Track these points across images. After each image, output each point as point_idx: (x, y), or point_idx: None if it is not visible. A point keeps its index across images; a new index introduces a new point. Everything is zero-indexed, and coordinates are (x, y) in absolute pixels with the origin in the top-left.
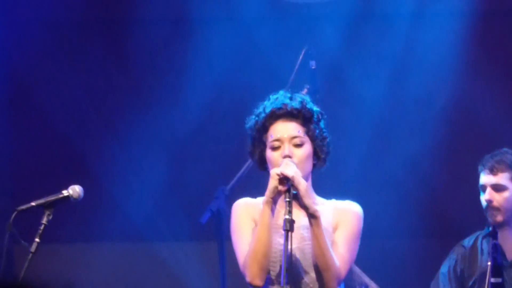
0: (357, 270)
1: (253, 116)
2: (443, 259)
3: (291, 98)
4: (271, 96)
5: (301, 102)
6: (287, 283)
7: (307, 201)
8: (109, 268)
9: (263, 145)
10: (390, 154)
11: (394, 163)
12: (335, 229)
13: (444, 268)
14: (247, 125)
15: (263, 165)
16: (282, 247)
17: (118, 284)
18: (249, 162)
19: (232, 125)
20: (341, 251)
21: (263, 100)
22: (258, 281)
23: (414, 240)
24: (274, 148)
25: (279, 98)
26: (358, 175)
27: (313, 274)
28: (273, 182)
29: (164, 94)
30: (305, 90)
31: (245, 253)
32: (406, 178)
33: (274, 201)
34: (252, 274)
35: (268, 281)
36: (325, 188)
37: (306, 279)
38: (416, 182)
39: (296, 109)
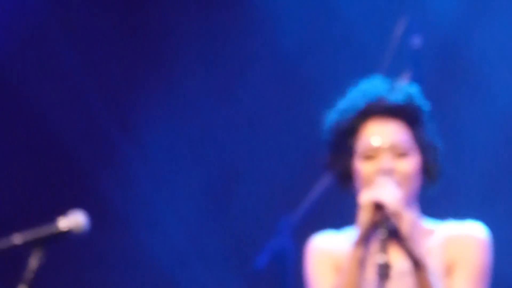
0: None
1: (335, 113)
2: None
3: (391, 89)
4: (361, 85)
5: (407, 95)
6: None
7: (411, 244)
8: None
9: (349, 153)
10: None
11: None
12: (449, 267)
13: None
14: (325, 126)
15: (348, 181)
16: None
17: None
18: (325, 179)
19: (301, 126)
20: None
21: (347, 90)
22: None
23: None
24: (367, 158)
25: (373, 88)
26: (485, 195)
27: None
28: (365, 214)
29: (201, 84)
30: (405, 78)
31: None
32: None
33: (368, 240)
34: None
35: None
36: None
37: None
38: None
39: (400, 105)
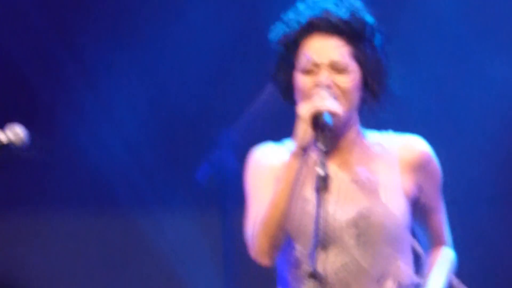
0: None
1: (281, 25)
2: None
3: (336, 4)
4: None
5: (351, 10)
6: (316, 265)
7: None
8: (70, 241)
9: (292, 66)
10: (475, 85)
11: (480, 98)
12: (410, 188)
13: None
14: (272, 37)
15: (289, 94)
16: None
17: (84, 262)
18: (267, 90)
19: (241, 40)
20: (442, 222)
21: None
22: (265, 259)
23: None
24: (307, 72)
25: (319, 2)
26: (427, 116)
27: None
28: (303, 126)
29: (146, 3)
30: None
31: (256, 220)
32: (495, 122)
33: (306, 151)
34: (259, 248)
35: (295, 262)
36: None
37: (358, 254)
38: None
39: (343, 20)
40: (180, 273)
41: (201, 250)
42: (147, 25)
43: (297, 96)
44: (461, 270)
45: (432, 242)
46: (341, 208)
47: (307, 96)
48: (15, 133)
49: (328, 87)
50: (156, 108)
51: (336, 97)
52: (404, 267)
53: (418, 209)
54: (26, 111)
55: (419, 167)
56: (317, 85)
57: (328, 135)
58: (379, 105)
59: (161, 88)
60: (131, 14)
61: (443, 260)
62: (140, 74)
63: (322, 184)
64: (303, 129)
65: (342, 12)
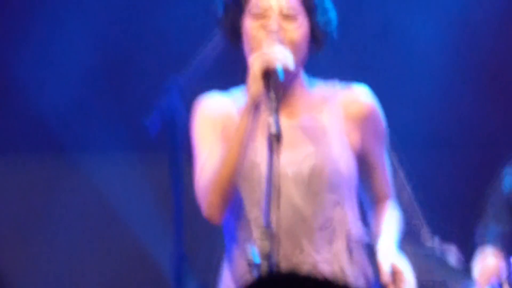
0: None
1: None
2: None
3: None
4: None
5: None
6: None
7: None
8: (13, 188)
9: (240, 10)
10: (410, 33)
11: (413, 45)
12: (354, 134)
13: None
14: None
15: (236, 40)
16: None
17: (26, 209)
18: (216, 35)
19: None
20: (386, 175)
21: None
22: (216, 214)
23: (429, 150)
24: (256, 16)
25: None
26: (366, 59)
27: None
28: (255, 81)
29: None
30: None
31: (205, 176)
32: (425, 69)
33: (257, 108)
34: (210, 206)
35: (244, 217)
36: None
37: (300, 200)
38: (434, 75)
39: None
40: (127, 222)
41: (149, 196)
42: None
43: (245, 41)
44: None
45: (376, 196)
46: (285, 155)
47: (255, 41)
48: None
49: (278, 32)
50: (102, 53)
51: (284, 45)
52: (351, 216)
53: (363, 164)
54: None
55: (364, 119)
56: (266, 29)
57: (281, 90)
58: (322, 53)
59: (108, 32)
60: None
61: (392, 216)
62: (85, 17)
63: (275, 142)
64: (255, 85)
65: None
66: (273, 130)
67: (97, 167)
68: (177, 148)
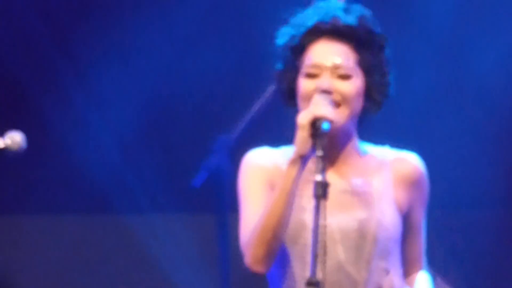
0: (440, 282)
1: (289, 28)
2: None
3: (346, 10)
4: (318, 3)
5: (359, 17)
6: (315, 274)
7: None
8: (64, 247)
9: (296, 70)
10: (466, 91)
11: (472, 103)
12: (402, 199)
13: None
14: (278, 40)
15: (291, 99)
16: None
17: (77, 269)
18: (266, 95)
19: (241, 41)
20: (422, 243)
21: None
22: (260, 267)
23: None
24: (309, 76)
25: (327, 7)
26: (420, 122)
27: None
28: (301, 133)
29: (137, 2)
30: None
31: (250, 227)
32: (488, 126)
33: (304, 158)
34: (254, 256)
35: (290, 271)
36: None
37: (351, 267)
38: (504, 132)
39: (351, 27)
40: (175, 280)
41: (196, 256)
42: (140, 24)
43: (299, 101)
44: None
45: (408, 263)
46: (336, 219)
47: (308, 100)
48: (14, 139)
49: (328, 91)
50: (151, 111)
51: (335, 104)
52: (397, 280)
53: (404, 228)
54: (17, 113)
55: (412, 183)
56: (317, 89)
57: (325, 141)
58: (378, 115)
59: (156, 90)
60: (123, 12)
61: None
62: (134, 77)
63: (321, 190)
64: (302, 137)
65: (350, 19)
66: (320, 178)
67: (146, 225)
68: (225, 208)
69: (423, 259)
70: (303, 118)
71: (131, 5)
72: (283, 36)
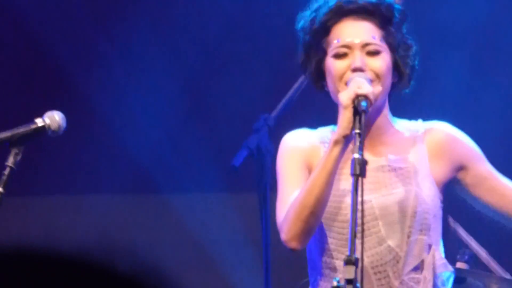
0: (462, 232)
1: (308, 12)
2: None
3: None
4: None
5: None
6: (354, 252)
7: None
8: (107, 226)
9: (322, 52)
10: (502, 69)
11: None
12: (439, 170)
13: None
14: (299, 25)
15: (319, 81)
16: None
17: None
18: (302, 78)
19: (280, 25)
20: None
21: None
22: (296, 244)
23: None
24: (339, 56)
25: None
26: (456, 100)
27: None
28: (345, 114)
29: (185, 5)
30: None
31: (287, 204)
32: None
33: (347, 138)
34: (291, 232)
35: (329, 249)
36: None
37: (391, 241)
38: None
39: (372, 3)
40: (218, 258)
41: (238, 235)
42: (183, 3)
43: (330, 82)
44: None
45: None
46: (374, 196)
47: (341, 80)
48: (53, 118)
49: (361, 69)
50: (193, 91)
51: (371, 81)
52: (438, 255)
53: (473, 184)
54: (61, 95)
55: (447, 150)
56: (351, 69)
57: (365, 120)
58: (407, 90)
59: (198, 70)
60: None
61: None
62: (177, 57)
63: (358, 168)
64: (346, 117)
65: None
66: (358, 156)
67: (188, 204)
68: (265, 187)
69: None
70: (347, 98)
71: None
72: (304, 19)
